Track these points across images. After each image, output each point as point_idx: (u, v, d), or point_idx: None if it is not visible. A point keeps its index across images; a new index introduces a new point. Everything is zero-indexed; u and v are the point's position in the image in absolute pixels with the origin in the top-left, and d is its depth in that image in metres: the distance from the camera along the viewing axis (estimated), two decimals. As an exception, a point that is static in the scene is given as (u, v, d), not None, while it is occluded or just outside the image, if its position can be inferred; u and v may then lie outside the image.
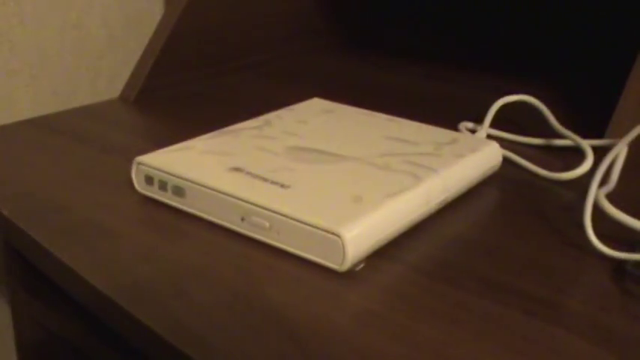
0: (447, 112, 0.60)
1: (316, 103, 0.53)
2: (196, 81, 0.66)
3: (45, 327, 0.60)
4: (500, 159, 0.47)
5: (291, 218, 0.36)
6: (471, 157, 0.44)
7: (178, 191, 0.40)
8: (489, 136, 0.53)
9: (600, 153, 0.50)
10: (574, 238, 0.39)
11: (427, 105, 0.63)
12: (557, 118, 0.57)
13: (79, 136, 0.52)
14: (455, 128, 0.55)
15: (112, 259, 0.36)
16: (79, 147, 0.50)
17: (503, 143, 0.53)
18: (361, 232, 0.35)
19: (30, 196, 0.43)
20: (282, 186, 0.38)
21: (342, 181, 0.39)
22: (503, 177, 0.47)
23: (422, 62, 0.78)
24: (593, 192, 0.37)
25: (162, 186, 0.41)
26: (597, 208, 0.38)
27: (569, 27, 0.93)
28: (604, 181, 0.44)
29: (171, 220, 0.40)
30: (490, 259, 0.37)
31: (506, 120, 0.56)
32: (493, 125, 0.55)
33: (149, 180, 0.42)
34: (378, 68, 0.75)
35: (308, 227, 0.35)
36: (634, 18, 0.65)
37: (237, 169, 0.40)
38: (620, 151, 0.47)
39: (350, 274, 0.35)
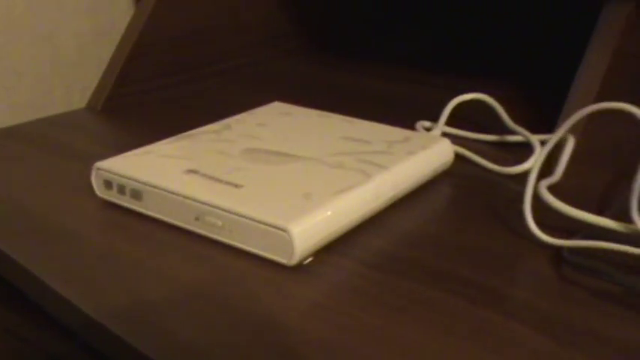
0: (407, 112, 0.62)
1: (276, 107, 0.55)
2: (163, 88, 0.67)
3: (20, 337, 0.60)
4: (451, 155, 0.48)
5: (242, 216, 0.37)
6: (422, 153, 0.45)
7: (136, 194, 0.41)
8: (445, 134, 0.55)
9: (553, 147, 0.51)
10: (517, 228, 0.40)
11: (388, 105, 0.64)
12: (515, 116, 0.59)
13: (43, 144, 0.54)
14: (414, 127, 0.56)
15: (66, 260, 0.37)
16: (42, 155, 0.51)
17: (459, 140, 0.55)
18: (309, 226, 0.36)
19: (-7, 203, 0.44)
20: (236, 186, 0.40)
21: (294, 180, 0.41)
22: (456, 173, 0.49)
23: (386, 64, 0.79)
24: (532, 182, 0.39)
25: (121, 190, 0.42)
26: (541, 199, 0.40)
27: (524, 27, 0.95)
28: (550, 173, 0.46)
29: (130, 223, 0.41)
30: (436, 250, 0.38)
31: (462, 118, 0.58)
32: (451, 124, 0.56)
33: (108, 184, 0.43)
34: (344, 71, 0.76)
35: (258, 224, 0.36)
36: (584, 17, 0.67)
37: (192, 172, 0.42)
38: (565, 143, 0.48)
39: (300, 269, 0.36)
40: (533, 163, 0.47)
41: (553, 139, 0.40)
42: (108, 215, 0.42)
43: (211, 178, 0.41)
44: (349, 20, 0.93)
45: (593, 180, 0.47)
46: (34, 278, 0.36)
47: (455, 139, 0.55)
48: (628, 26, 0.54)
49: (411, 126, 0.57)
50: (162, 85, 0.67)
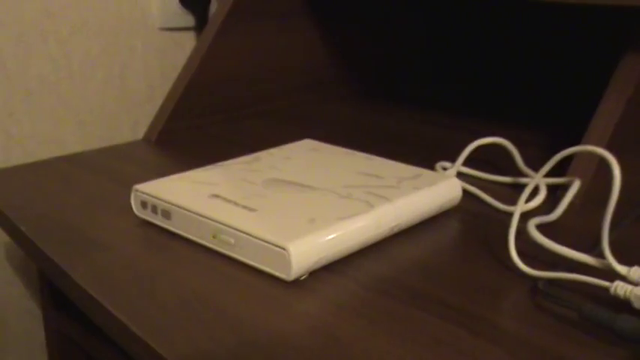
0: (432, 153, 0.66)
1: (306, 144, 0.60)
2: (211, 125, 0.74)
3: (69, 337, 0.67)
4: (459, 193, 0.51)
5: (251, 235, 0.42)
6: (427, 189, 0.49)
7: (166, 214, 0.47)
8: (461, 174, 0.58)
9: (562, 190, 0.54)
10: (506, 261, 0.43)
11: (415, 146, 0.68)
12: (534, 159, 0.62)
13: (98, 170, 0.60)
14: (434, 167, 0.60)
15: (100, 267, 0.43)
16: (95, 178, 0.58)
17: (475, 180, 0.58)
18: (307, 247, 0.41)
19: (46, 217, 0.51)
20: (250, 210, 0.45)
21: (303, 207, 0.45)
22: (464, 209, 0.52)
23: (421, 109, 0.84)
24: (516, 218, 0.42)
25: (154, 209, 0.48)
26: (528, 235, 0.43)
27: (546, 74, 0.97)
28: (549, 212, 0.49)
29: (159, 239, 0.47)
30: (424, 276, 0.42)
31: (482, 160, 0.61)
32: (469, 165, 0.60)
33: (144, 205, 0.49)
34: (379, 115, 0.81)
35: (263, 243, 0.41)
36: (602, 66, 0.69)
37: (215, 196, 0.47)
38: (570, 185, 0.51)
39: (297, 284, 0.41)
40: (538, 204, 0.51)
41: (530, 185, 0.43)
42: (142, 232, 0.48)
43: (230, 202, 0.46)
44: (387, 68, 0.98)
45: (592, 221, 0.49)
46: (70, 279, 0.42)
47: (471, 180, 0.58)
48: (643, 77, 0.57)
49: (432, 165, 0.60)
50: (209, 122, 0.73)
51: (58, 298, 0.66)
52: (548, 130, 0.75)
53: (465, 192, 0.54)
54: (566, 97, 0.92)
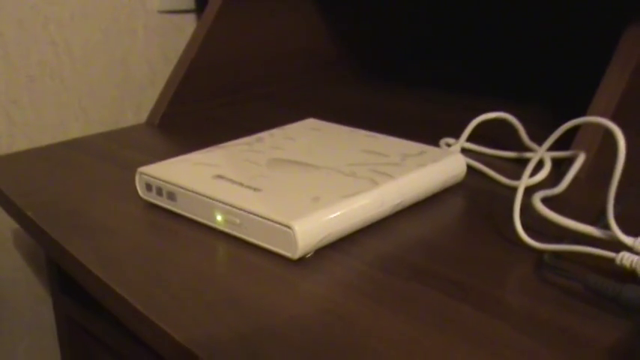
0: (436, 130, 0.66)
1: (309, 123, 0.60)
2: (214, 108, 0.73)
3: (81, 325, 0.67)
4: (464, 169, 0.51)
5: (256, 215, 0.42)
6: (432, 166, 0.49)
7: (171, 196, 0.47)
8: (465, 150, 0.58)
9: (567, 164, 0.54)
10: (511, 236, 0.43)
11: (419, 124, 0.68)
12: (540, 134, 0.61)
13: (102, 155, 0.61)
14: (438, 144, 0.60)
15: (106, 250, 0.43)
16: (100, 163, 0.58)
17: (479, 156, 0.58)
18: (312, 225, 0.41)
19: (51, 203, 0.51)
20: (255, 190, 0.45)
21: (308, 186, 0.45)
22: (469, 185, 0.52)
23: (424, 87, 0.83)
24: (521, 191, 0.42)
25: (159, 192, 0.48)
26: (533, 208, 0.43)
27: (549, 49, 0.96)
28: (553, 186, 0.49)
29: (165, 221, 0.47)
30: (429, 253, 0.42)
31: (486, 136, 0.61)
32: (474, 141, 0.60)
33: (149, 187, 0.49)
34: (383, 95, 0.81)
35: (268, 222, 0.41)
36: (606, 38, 0.69)
37: (220, 177, 0.47)
38: (575, 159, 0.51)
39: (302, 262, 0.41)
40: (543, 178, 0.50)
41: (535, 158, 0.43)
42: (147, 214, 0.48)
43: (235, 182, 0.46)
44: (389, 48, 0.98)
45: (597, 194, 0.49)
46: (79, 263, 0.42)
47: (475, 155, 0.58)
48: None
49: (436, 142, 0.60)
50: (211, 105, 0.73)
51: (67, 284, 0.67)
52: (552, 107, 0.75)
53: (470, 168, 0.54)
54: (569, 74, 0.91)
